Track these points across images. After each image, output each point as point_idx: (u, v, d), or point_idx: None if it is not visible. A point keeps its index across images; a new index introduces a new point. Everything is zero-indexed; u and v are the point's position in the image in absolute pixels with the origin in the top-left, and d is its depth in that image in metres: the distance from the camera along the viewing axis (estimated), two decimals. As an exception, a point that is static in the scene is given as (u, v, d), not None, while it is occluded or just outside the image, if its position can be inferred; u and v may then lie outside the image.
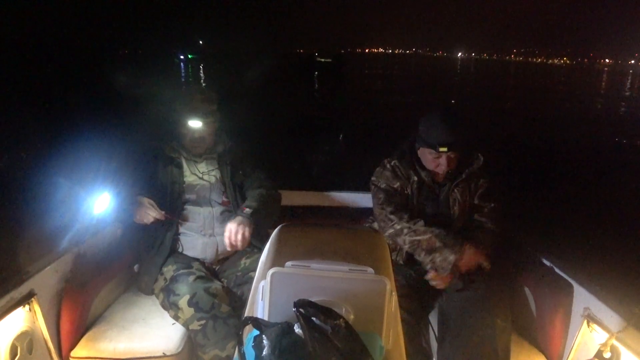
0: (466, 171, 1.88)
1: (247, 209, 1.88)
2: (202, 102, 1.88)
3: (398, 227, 1.82)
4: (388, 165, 1.93)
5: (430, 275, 1.78)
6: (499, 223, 1.91)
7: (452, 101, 19.32)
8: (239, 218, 1.84)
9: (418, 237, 1.77)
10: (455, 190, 1.88)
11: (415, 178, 1.88)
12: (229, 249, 1.85)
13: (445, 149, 1.75)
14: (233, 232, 1.80)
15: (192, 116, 1.86)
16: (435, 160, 1.81)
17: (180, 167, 1.94)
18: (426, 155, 1.84)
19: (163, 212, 1.81)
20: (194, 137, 1.90)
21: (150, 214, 1.78)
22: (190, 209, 1.93)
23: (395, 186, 1.90)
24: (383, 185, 1.91)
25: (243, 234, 1.80)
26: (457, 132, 1.75)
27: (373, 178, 1.96)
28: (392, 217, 1.84)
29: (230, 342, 1.62)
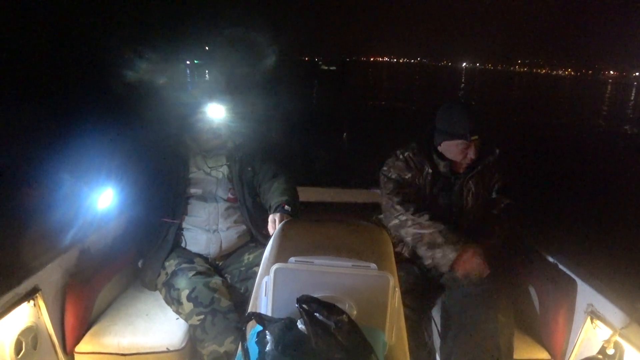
0: (482, 163, 1.88)
1: (287, 206, 1.79)
2: (219, 91, 1.90)
3: (403, 218, 1.82)
4: (401, 157, 1.93)
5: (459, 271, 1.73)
6: (513, 220, 1.92)
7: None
8: (282, 215, 1.73)
9: (421, 231, 1.77)
10: (470, 182, 1.88)
11: (430, 170, 1.87)
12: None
13: (476, 137, 1.77)
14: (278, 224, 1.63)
15: (214, 101, 1.86)
16: (463, 150, 1.81)
17: (186, 163, 1.93)
18: (452, 148, 1.83)
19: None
20: (212, 127, 1.89)
21: None
22: (195, 203, 1.92)
23: (406, 177, 1.90)
24: (394, 176, 1.91)
25: None
26: (480, 119, 1.79)
27: (384, 168, 1.95)
28: (398, 207, 1.85)
29: (228, 337, 1.59)
